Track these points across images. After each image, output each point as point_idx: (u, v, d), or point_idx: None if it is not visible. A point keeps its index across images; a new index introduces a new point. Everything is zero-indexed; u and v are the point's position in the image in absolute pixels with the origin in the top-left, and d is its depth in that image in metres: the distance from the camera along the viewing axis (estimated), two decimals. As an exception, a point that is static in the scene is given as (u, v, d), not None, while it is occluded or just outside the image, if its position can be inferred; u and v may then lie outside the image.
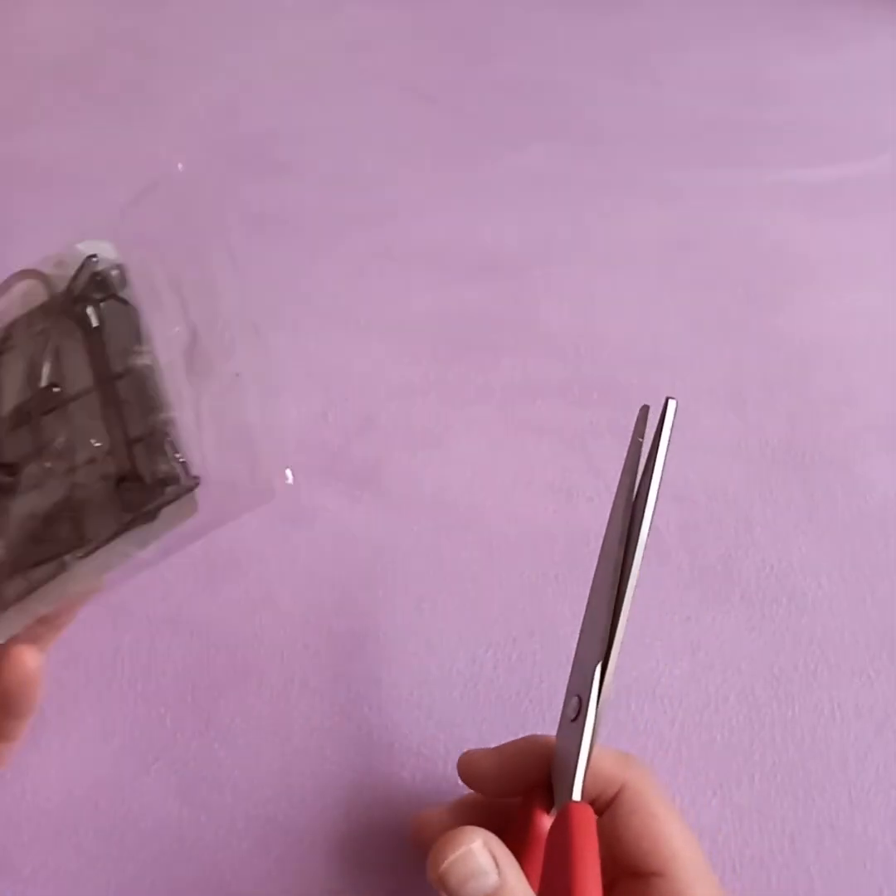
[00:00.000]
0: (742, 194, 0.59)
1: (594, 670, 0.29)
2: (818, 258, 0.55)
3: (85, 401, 0.30)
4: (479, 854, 0.25)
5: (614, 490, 0.44)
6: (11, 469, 0.30)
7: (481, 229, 0.56)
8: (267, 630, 0.39)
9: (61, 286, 0.32)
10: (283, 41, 0.70)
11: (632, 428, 0.47)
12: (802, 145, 0.62)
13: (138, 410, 0.30)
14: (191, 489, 0.29)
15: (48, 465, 0.30)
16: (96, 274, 0.31)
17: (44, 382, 0.31)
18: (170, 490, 0.29)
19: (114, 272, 0.31)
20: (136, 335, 0.31)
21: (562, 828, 0.27)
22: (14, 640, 0.29)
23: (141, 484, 0.29)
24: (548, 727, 0.37)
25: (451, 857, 0.25)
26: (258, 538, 0.42)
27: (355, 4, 0.73)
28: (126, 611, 0.40)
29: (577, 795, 0.28)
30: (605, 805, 0.30)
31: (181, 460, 0.29)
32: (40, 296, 0.32)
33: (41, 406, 0.31)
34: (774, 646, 0.39)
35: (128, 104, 0.65)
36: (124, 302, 0.31)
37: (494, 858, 0.25)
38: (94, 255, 0.32)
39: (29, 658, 0.28)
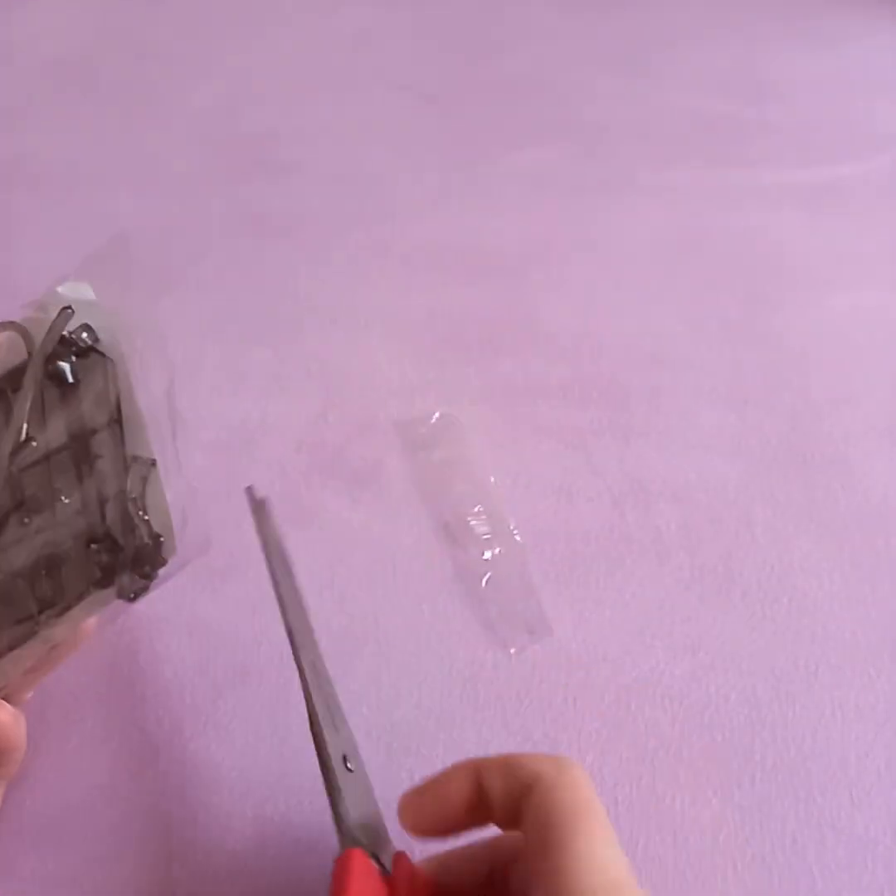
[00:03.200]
0: (742, 194, 0.58)
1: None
2: (818, 258, 0.55)
3: (61, 457, 0.31)
4: None
5: (614, 490, 0.44)
6: None
7: (481, 229, 0.56)
8: (266, 630, 0.39)
9: (42, 334, 0.31)
10: (283, 41, 0.70)
11: (631, 428, 0.47)
12: (802, 145, 0.62)
13: (111, 467, 0.30)
14: (163, 561, 0.29)
15: (27, 520, 0.30)
16: (73, 332, 0.31)
17: (22, 437, 0.31)
18: (145, 561, 0.29)
19: (84, 333, 0.31)
20: (111, 389, 0.31)
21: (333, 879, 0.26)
22: None
23: (113, 544, 0.29)
24: (548, 727, 0.37)
25: None
26: (258, 538, 0.42)
27: (355, 4, 0.73)
28: (125, 611, 0.40)
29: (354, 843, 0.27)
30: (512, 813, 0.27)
31: (145, 518, 0.29)
32: (20, 346, 0.32)
33: (20, 461, 0.30)
34: (775, 645, 0.39)
35: (128, 104, 0.65)
36: (102, 355, 0.31)
37: None
38: (69, 307, 0.31)
39: (3, 715, 0.30)
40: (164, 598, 0.40)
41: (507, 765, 0.27)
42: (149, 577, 0.29)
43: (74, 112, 0.65)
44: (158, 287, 0.34)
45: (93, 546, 0.29)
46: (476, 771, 0.27)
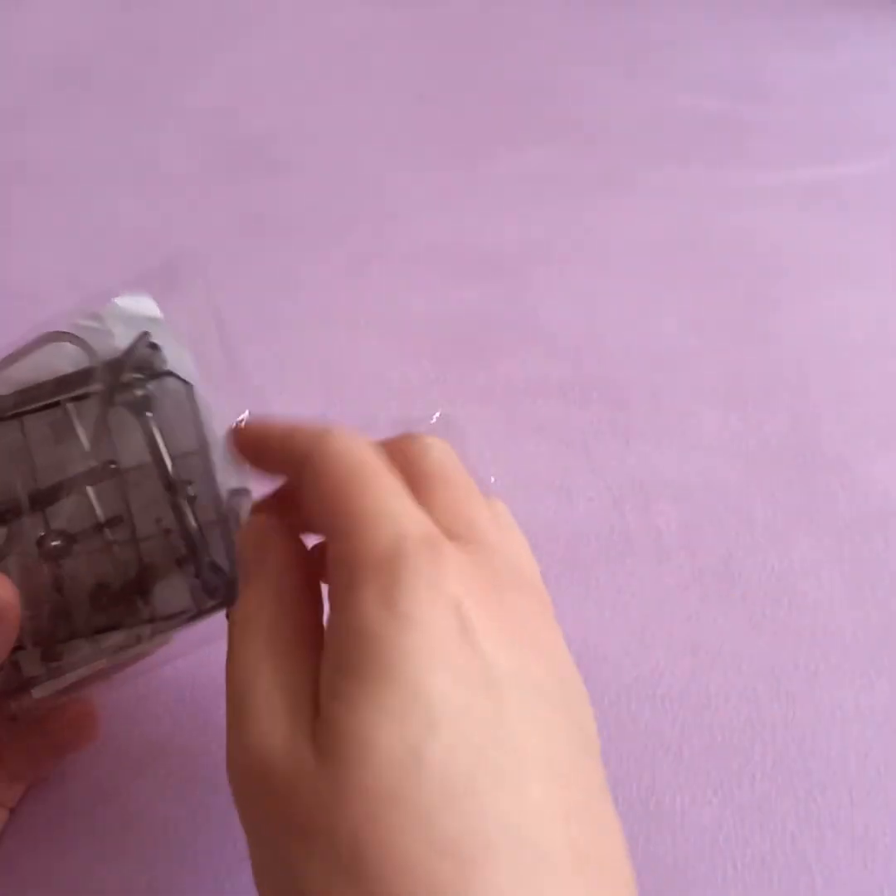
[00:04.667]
0: (742, 194, 0.58)
1: None
2: (818, 258, 0.55)
3: (134, 476, 0.30)
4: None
5: (614, 490, 0.44)
6: (65, 536, 0.30)
7: (481, 229, 0.56)
8: (266, 630, 0.39)
9: (99, 346, 0.31)
10: (283, 41, 0.70)
11: (631, 428, 0.47)
12: (802, 145, 0.62)
13: (204, 493, 0.30)
14: None
15: (109, 536, 0.30)
16: (146, 349, 0.30)
17: (97, 460, 0.30)
18: None
19: (157, 351, 0.30)
20: (194, 414, 0.30)
21: None
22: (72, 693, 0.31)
23: (216, 568, 0.30)
24: (548, 727, 0.37)
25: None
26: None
27: (355, 4, 0.73)
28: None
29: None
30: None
31: None
32: (74, 356, 0.31)
33: (95, 479, 0.30)
34: (775, 645, 0.39)
35: (128, 104, 0.65)
36: (180, 379, 0.31)
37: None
38: (147, 332, 0.30)
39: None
40: (164, 598, 0.40)
41: (287, 435, 0.25)
42: None
43: (74, 112, 0.65)
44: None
45: (199, 575, 0.30)
46: (264, 434, 0.27)
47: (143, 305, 0.31)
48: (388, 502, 0.22)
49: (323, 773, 0.19)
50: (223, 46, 0.70)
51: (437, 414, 0.44)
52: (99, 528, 0.30)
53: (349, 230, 0.56)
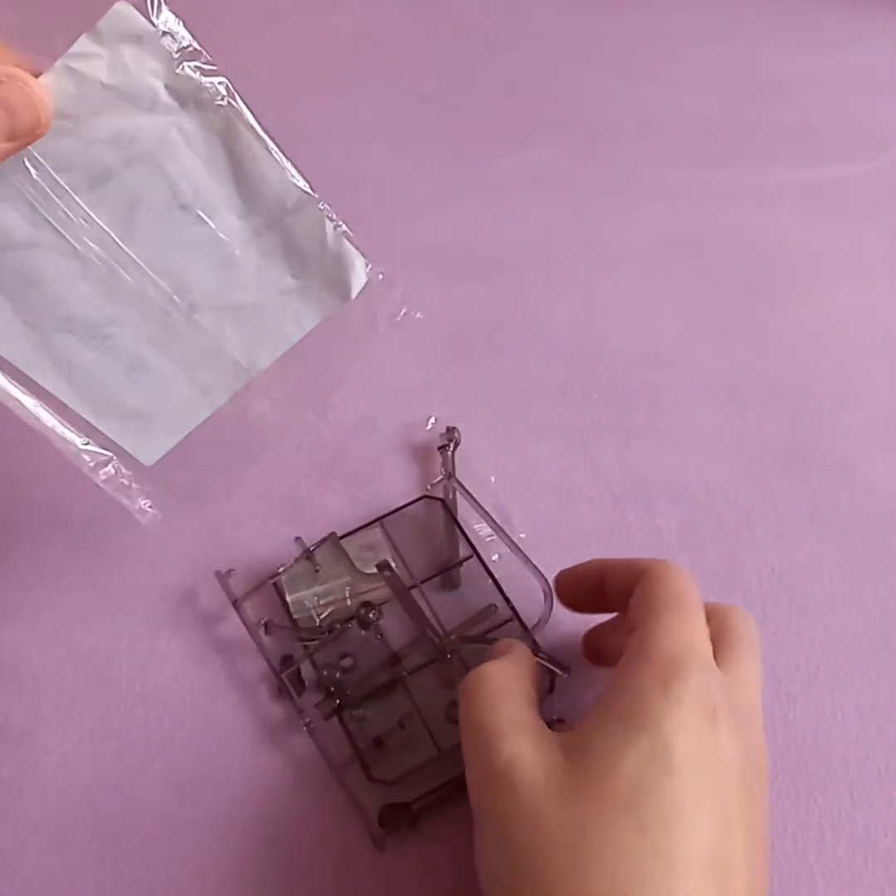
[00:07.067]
0: (742, 194, 0.58)
1: None
2: (819, 258, 0.55)
3: None
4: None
5: (615, 490, 0.44)
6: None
7: (481, 229, 0.56)
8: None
9: (118, 79, 0.28)
10: (282, 41, 0.70)
11: (631, 428, 0.47)
12: (803, 145, 0.62)
13: None
14: None
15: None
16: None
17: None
18: None
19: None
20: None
21: None
22: None
23: None
24: (552, 726, 0.37)
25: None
26: (258, 537, 0.42)
27: (355, 4, 0.73)
28: (125, 610, 0.40)
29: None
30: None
31: None
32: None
33: None
34: (776, 646, 0.39)
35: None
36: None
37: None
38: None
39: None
40: (162, 598, 0.40)
41: (626, 560, 0.34)
42: None
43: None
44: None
45: None
46: (602, 564, 0.35)
47: (135, 20, 0.28)
48: (686, 625, 0.30)
49: (569, 778, 0.26)
50: (223, 46, 0.70)
51: (436, 414, 0.44)
52: None
53: (349, 230, 0.56)
